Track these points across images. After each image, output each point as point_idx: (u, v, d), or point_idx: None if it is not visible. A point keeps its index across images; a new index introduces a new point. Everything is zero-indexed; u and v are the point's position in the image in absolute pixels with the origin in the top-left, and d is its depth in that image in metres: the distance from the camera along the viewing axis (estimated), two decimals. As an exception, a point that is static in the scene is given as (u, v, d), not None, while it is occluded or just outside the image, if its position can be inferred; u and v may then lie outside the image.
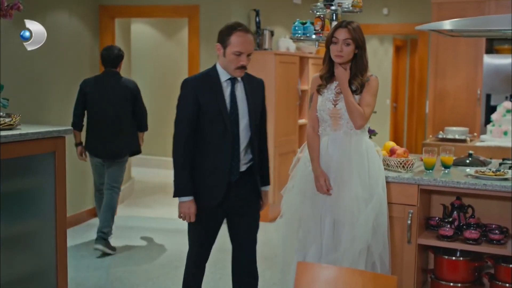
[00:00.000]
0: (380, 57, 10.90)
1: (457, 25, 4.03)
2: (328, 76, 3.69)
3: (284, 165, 6.40)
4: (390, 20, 8.64)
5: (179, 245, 5.88)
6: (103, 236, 5.47)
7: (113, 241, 5.82)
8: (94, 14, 6.59)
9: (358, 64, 3.64)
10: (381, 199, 3.63)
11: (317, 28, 4.32)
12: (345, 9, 4.32)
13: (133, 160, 8.40)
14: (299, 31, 4.39)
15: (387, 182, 3.73)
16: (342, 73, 3.61)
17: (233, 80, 3.51)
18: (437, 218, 3.86)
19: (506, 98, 7.02)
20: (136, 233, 6.29)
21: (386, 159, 3.93)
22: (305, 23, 4.40)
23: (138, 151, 5.71)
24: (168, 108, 9.23)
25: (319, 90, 3.70)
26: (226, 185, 3.50)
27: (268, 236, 6.13)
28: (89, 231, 6.23)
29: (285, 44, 7.05)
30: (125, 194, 7.56)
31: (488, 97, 7.21)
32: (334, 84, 3.67)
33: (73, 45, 6.21)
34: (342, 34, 3.57)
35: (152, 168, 9.18)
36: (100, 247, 5.46)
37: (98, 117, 5.46)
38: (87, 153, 5.60)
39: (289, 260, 3.84)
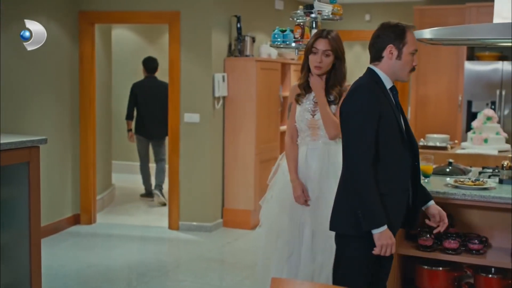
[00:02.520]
0: (363, 63, 10.86)
1: (436, 34, 4.01)
2: (306, 84, 3.66)
3: (266, 173, 6.34)
4: (373, 26, 8.54)
5: (159, 254, 5.82)
6: (161, 188, 7.69)
7: (91, 251, 5.75)
8: (73, 20, 6.52)
9: (337, 75, 3.62)
10: (359, 209, 3.61)
11: (297, 36, 4.29)
12: (325, 17, 4.30)
13: (114, 166, 8.34)
14: (279, 39, 4.36)
15: (366, 192, 3.69)
16: (317, 82, 3.58)
17: (394, 89, 3.01)
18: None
19: (487, 105, 7.04)
20: (115, 242, 6.21)
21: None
22: (285, 30, 4.37)
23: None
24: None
25: (297, 99, 3.67)
26: (406, 207, 3.02)
27: (248, 244, 6.10)
28: (68, 239, 6.15)
29: (267, 50, 7.02)
30: (105, 202, 7.49)
31: (469, 103, 7.23)
32: (313, 94, 3.65)
33: (52, 51, 6.13)
34: (322, 45, 3.55)
35: (134, 174, 9.08)
36: (157, 192, 7.67)
37: (147, 110, 7.67)
38: (135, 136, 7.83)
39: (268, 270, 3.80)
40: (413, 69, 3.01)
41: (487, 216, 3.82)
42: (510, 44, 3.85)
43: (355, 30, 8.73)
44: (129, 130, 7.88)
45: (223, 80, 6.52)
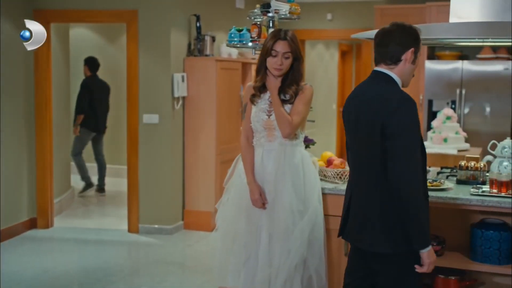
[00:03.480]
0: (326, 62, 10.90)
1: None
2: (262, 86, 3.59)
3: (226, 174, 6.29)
4: (334, 25, 8.62)
5: (117, 258, 5.70)
6: (103, 187, 8.43)
7: (48, 256, 5.61)
8: (28, 19, 6.33)
9: (294, 75, 3.55)
10: (317, 211, 3.56)
11: (254, 35, 4.22)
12: (283, 16, 4.23)
13: (73, 168, 8.17)
14: (235, 38, 4.28)
15: (324, 194, 3.65)
16: (272, 81, 3.52)
17: None
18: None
19: (447, 104, 7.07)
20: (73, 246, 6.07)
21: (323, 170, 3.85)
22: (242, 30, 4.29)
23: None
24: (113, 114, 9.04)
25: (252, 100, 3.60)
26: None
27: (209, 246, 6.01)
28: (24, 244, 5.99)
29: (227, 50, 6.93)
30: (63, 205, 7.32)
31: (430, 103, 7.24)
32: (268, 94, 3.58)
33: (6, 51, 5.96)
34: (282, 47, 3.46)
35: (94, 176, 8.92)
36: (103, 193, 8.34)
37: (100, 105, 8.26)
38: (82, 129, 8.12)
39: (225, 275, 3.72)
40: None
41: (445, 217, 3.79)
42: (466, 43, 3.84)
43: (317, 29, 8.70)
44: (80, 124, 8.14)
45: (183, 80, 6.42)
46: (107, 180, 8.53)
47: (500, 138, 4.02)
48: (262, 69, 3.57)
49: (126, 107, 6.50)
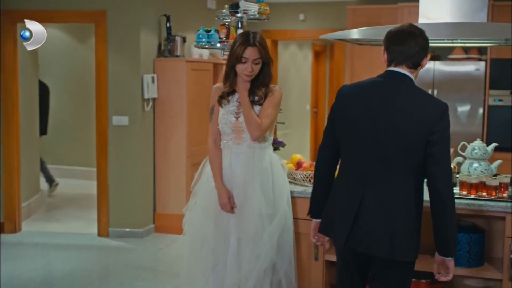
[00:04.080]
0: (299, 63, 10.85)
1: (362, 34, 3.95)
2: (231, 91, 3.52)
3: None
4: (307, 26, 8.57)
5: (85, 263, 5.59)
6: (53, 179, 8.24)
7: (14, 262, 5.48)
8: (-6, 19, 6.22)
9: (264, 77, 3.48)
10: (286, 215, 3.51)
11: (222, 36, 4.17)
12: (251, 17, 4.17)
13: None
14: (203, 39, 4.23)
15: (293, 197, 3.61)
16: (243, 84, 3.45)
17: None
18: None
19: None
20: (41, 251, 5.92)
21: (293, 173, 3.80)
22: (210, 30, 4.23)
23: None
24: (83, 116, 8.92)
25: (220, 102, 3.53)
26: None
27: (180, 250, 5.87)
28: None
29: (199, 50, 6.84)
30: (32, 208, 7.17)
31: (403, 103, 7.22)
32: (236, 96, 3.51)
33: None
34: (251, 54, 3.38)
35: (65, 179, 8.79)
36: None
37: (47, 108, 8.09)
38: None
39: (193, 281, 3.64)
40: None
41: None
42: (436, 45, 3.81)
43: (289, 29, 8.66)
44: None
45: (153, 81, 6.32)
46: (76, 182, 8.39)
47: (472, 139, 4.00)
48: (231, 74, 3.49)
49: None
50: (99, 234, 6.40)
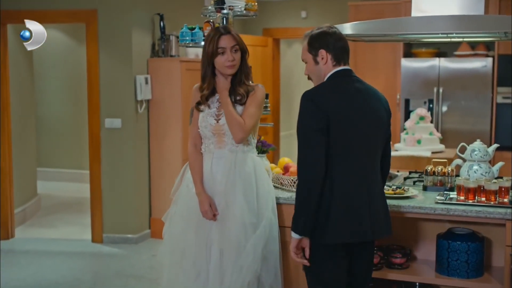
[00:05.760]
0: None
1: (356, 29, 3.73)
2: (211, 93, 3.30)
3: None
4: (309, 23, 8.34)
5: (75, 270, 5.40)
6: None
7: (3, 269, 5.32)
8: (-16, 20, 6.06)
9: (243, 69, 3.28)
10: (271, 223, 3.29)
11: (206, 34, 3.94)
12: (238, 13, 3.95)
13: (40, 173, 7.87)
14: (187, 37, 4.03)
15: (279, 204, 3.39)
16: (223, 83, 3.24)
17: None
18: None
19: (425, 103, 6.81)
20: (32, 258, 5.74)
21: (279, 178, 3.58)
22: (194, 28, 4.02)
23: None
24: (77, 118, 8.76)
25: (198, 108, 3.32)
26: None
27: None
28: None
29: (195, 50, 6.65)
30: (27, 213, 7.01)
31: (407, 102, 6.98)
32: (216, 97, 3.30)
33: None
34: (228, 42, 3.20)
35: (63, 182, 8.64)
36: None
37: None
38: None
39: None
40: None
41: (410, 227, 3.54)
42: (429, 40, 3.58)
43: (291, 27, 8.44)
44: None
45: (146, 82, 6.13)
46: (71, 185, 8.21)
47: (479, 137, 3.77)
48: (208, 74, 3.28)
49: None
50: (93, 240, 6.22)
